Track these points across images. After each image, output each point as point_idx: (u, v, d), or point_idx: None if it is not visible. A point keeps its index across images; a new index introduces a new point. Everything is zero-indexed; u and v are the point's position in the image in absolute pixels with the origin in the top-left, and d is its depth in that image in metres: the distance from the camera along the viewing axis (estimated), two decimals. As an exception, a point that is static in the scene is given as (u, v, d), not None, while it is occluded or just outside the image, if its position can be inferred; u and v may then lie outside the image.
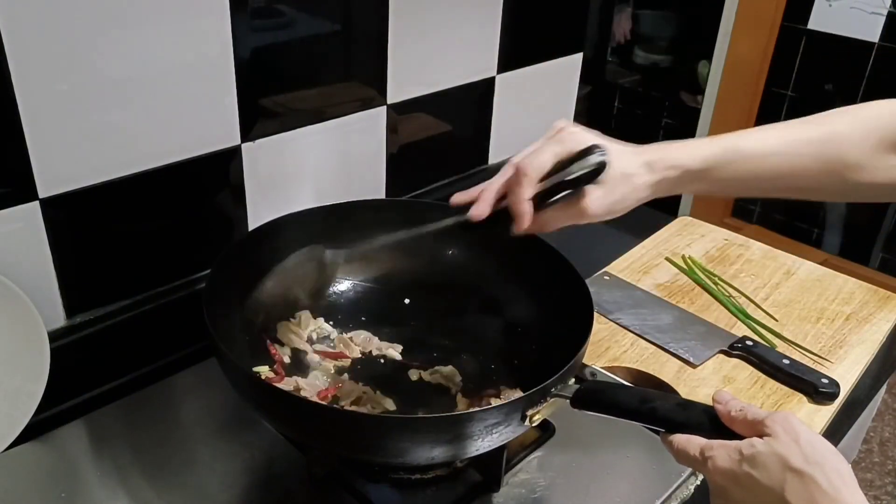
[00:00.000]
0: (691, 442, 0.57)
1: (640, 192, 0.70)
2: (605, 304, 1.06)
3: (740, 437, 0.55)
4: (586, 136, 0.69)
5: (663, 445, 0.60)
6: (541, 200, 0.68)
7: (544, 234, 0.89)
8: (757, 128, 0.73)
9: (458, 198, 0.73)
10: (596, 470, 0.80)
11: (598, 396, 0.65)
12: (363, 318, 0.92)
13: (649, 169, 0.69)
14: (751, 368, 0.96)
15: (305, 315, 0.88)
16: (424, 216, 0.96)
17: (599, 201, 0.68)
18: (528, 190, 0.67)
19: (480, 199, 0.71)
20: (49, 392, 0.79)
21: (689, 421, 0.59)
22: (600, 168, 0.67)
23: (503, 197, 0.70)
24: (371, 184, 1.12)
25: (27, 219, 0.78)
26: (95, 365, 0.88)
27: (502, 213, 0.70)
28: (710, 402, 0.59)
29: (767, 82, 2.42)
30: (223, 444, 0.81)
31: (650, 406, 0.61)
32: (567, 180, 0.67)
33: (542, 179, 0.68)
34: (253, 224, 0.97)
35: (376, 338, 0.89)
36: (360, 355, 0.87)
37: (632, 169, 0.69)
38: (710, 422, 0.58)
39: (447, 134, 1.21)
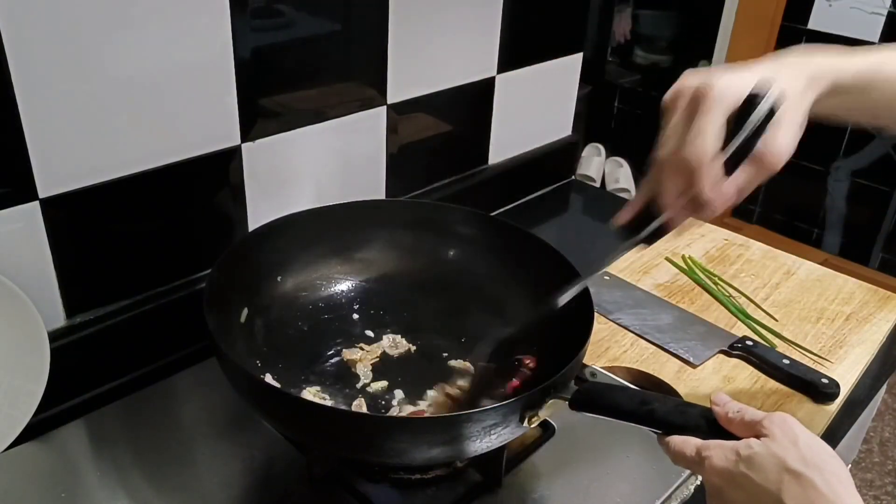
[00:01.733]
0: (688, 443, 0.57)
1: (807, 112, 0.62)
2: (605, 304, 1.06)
3: (738, 439, 0.55)
4: (740, 80, 0.59)
5: (660, 447, 0.60)
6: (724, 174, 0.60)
7: (541, 232, 0.90)
8: None
9: (622, 217, 0.66)
10: (596, 470, 0.80)
11: (596, 398, 0.65)
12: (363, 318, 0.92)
13: (811, 84, 0.62)
14: (751, 368, 0.96)
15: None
16: (425, 216, 0.96)
17: (784, 141, 0.59)
18: (713, 175, 0.59)
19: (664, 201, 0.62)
20: (49, 392, 0.79)
21: (686, 423, 0.59)
22: (773, 111, 0.58)
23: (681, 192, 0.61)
24: (371, 184, 1.12)
25: (27, 219, 0.78)
26: (95, 365, 0.88)
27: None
28: (708, 404, 0.59)
29: (767, 82, 2.41)
30: (223, 444, 0.81)
31: (648, 408, 0.61)
32: (744, 142, 0.58)
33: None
34: (253, 224, 0.97)
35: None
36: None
37: (799, 89, 0.61)
38: (708, 424, 0.58)
39: (447, 134, 1.21)
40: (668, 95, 0.63)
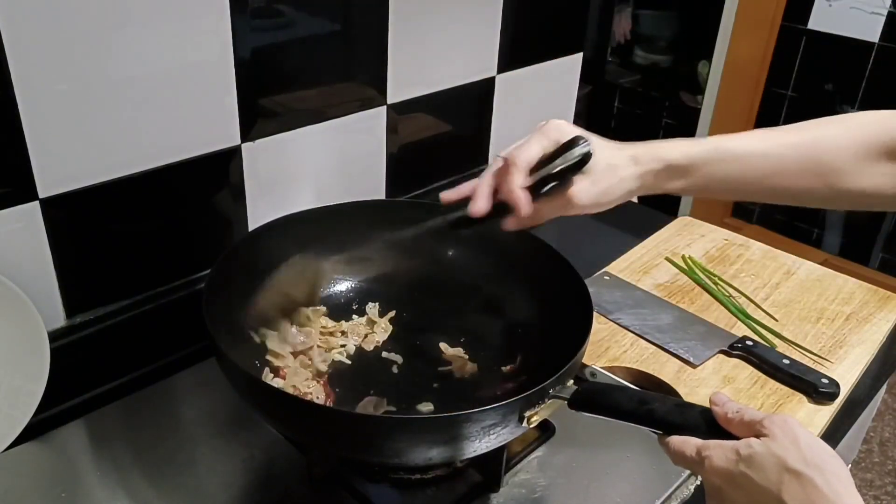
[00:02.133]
0: (687, 443, 0.57)
1: (626, 184, 0.71)
2: (605, 304, 1.06)
3: (737, 439, 0.55)
4: (570, 129, 0.71)
5: (660, 447, 0.60)
6: (531, 193, 0.70)
7: (541, 232, 0.90)
8: (745, 132, 0.74)
9: (449, 196, 0.75)
10: (596, 470, 0.80)
11: (595, 398, 0.65)
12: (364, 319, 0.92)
13: (634, 161, 0.71)
14: (751, 368, 0.96)
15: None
16: (424, 216, 0.96)
17: (586, 191, 0.70)
18: (520, 178, 0.69)
19: (477, 195, 0.72)
20: (49, 392, 0.79)
21: (686, 423, 0.59)
22: (585, 158, 0.68)
23: (495, 191, 0.72)
24: (371, 184, 1.12)
25: (27, 219, 0.78)
26: (95, 365, 0.88)
27: (497, 207, 0.71)
28: (708, 404, 0.59)
29: (767, 82, 2.42)
30: (223, 444, 0.81)
31: (648, 408, 0.61)
32: (554, 172, 0.69)
33: (532, 172, 0.69)
34: (253, 224, 0.97)
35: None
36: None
37: (617, 161, 0.71)
38: (707, 424, 0.58)
39: (447, 134, 1.21)
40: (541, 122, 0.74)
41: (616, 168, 0.70)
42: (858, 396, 0.95)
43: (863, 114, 0.72)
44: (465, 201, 0.72)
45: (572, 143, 0.69)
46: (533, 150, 0.69)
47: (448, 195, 0.75)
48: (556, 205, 0.71)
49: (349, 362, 0.86)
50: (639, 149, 0.72)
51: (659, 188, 0.73)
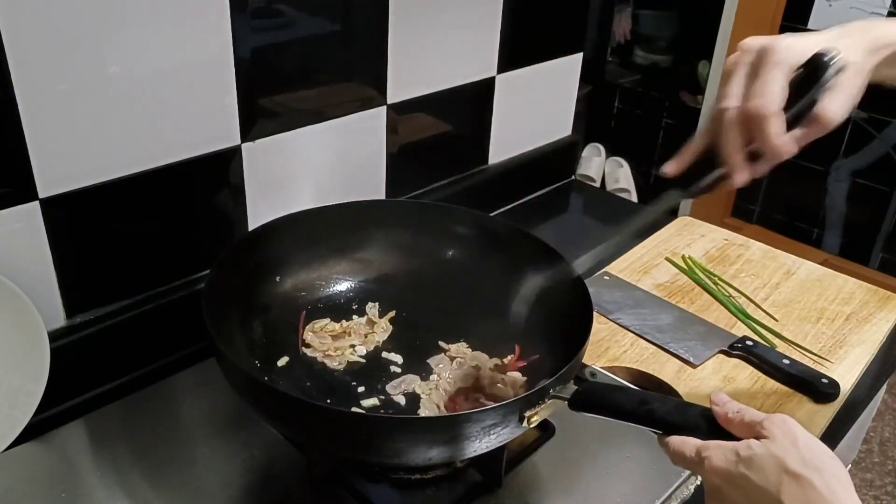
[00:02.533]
0: (687, 443, 0.57)
1: (867, 79, 0.64)
2: (605, 304, 1.06)
3: (737, 439, 0.55)
4: (801, 43, 0.62)
5: (660, 447, 0.60)
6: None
7: (541, 232, 0.90)
8: None
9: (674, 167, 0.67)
10: (596, 470, 0.80)
11: (595, 398, 0.65)
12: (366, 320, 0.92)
13: (871, 52, 0.64)
14: (751, 368, 0.96)
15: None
16: (424, 216, 0.96)
17: (840, 105, 0.61)
18: (778, 126, 0.60)
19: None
20: (49, 392, 0.79)
21: (686, 423, 0.59)
22: (840, 66, 0.61)
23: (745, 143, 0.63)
24: (371, 184, 1.12)
25: (27, 219, 0.78)
26: (95, 365, 0.88)
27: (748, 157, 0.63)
28: (708, 404, 0.59)
29: (767, 82, 2.41)
30: (223, 444, 0.81)
31: (648, 408, 0.61)
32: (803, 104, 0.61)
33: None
34: (253, 224, 0.97)
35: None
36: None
37: (858, 57, 0.63)
38: (707, 424, 0.58)
39: (447, 134, 1.21)
40: (732, 56, 0.64)
41: (861, 68, 0.63)
42: (858, 396, 0.95)
43: None
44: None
45: (818, 64, 0.60)
46: (777, 90, 0.60)
47: (672, 166, 0.67)
48: (808, 132, 0.63)
49: (364, 361, 0.86)
50: (865, 35, 0.64)
51: (883, 75, 0.66)
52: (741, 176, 0.63)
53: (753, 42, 0.63)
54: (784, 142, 0.61)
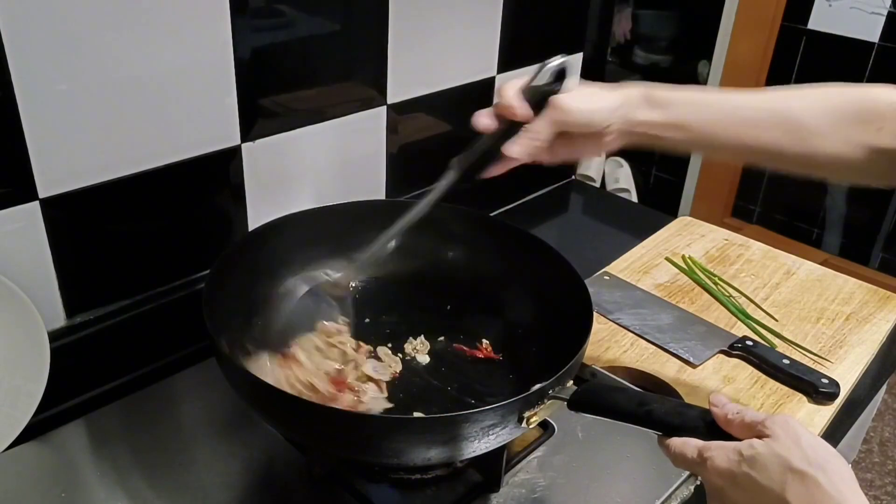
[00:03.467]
0: (688, 444, 0.57)
1: (610, 99, 0.74)
2: (605, 304, 1.06)
3: (737, 440, 0.55)
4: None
5: (660, 449, 0.60)
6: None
7: (541, 232, 0.90)
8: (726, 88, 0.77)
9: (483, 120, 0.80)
10: (596, 470, 0.80)
11: (595, 399, 0.65)
12: (367, 320, 0.91)
13: (615, 87, 0.75)
14: (751, 368, 0.96)
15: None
16: (424, 216, 0.96)
17: (572, 96, 0.73)
18: (511, 90, 0.74)
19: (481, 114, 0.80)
20: (49, 392, 0.79)
21: (685, 424, 0.59)
22: (563, 66, 0.74)
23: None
24: (371, 184, 1.12)
25: (27, 219, 0.78)
26: (95, 365, 0.88)
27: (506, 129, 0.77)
28: (708, 404, 0.59)
29: (767, 82, 2.41)
30: (223, 444, 0.81)
31: (647, 409, 0.61)
32: (542, 85, 0.74)
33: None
34: (253, 224, 0.97)
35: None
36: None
37: (598, 86, 0.75)
38: (707, 425, 0.58)
39: (447, 134, 1.21)
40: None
41: (598, 90, 0.75)
42: (858, 396, 0.95)
43: (839, 83, 0.74)
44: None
45: (541, 68, 0.74)
46: (518, 82, 0.75)
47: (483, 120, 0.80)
48: (550, 118, 0.73)
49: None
50: (644, 88, 0.76)
51: (637, 117, 0.74)
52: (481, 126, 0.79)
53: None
54: (514, 100, 0.74)
